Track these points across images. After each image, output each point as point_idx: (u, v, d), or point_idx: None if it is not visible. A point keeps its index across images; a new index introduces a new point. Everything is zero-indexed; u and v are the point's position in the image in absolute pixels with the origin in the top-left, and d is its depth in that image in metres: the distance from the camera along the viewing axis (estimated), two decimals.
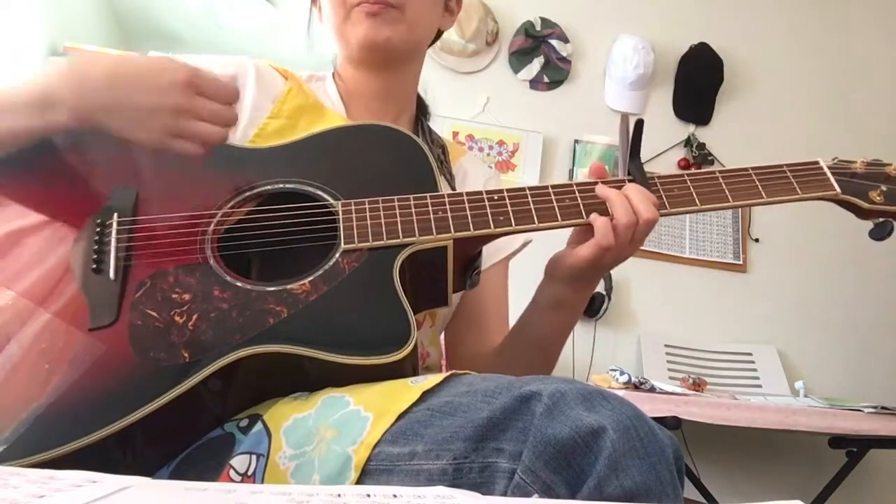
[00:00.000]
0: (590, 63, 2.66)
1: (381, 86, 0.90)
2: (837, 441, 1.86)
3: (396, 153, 0.76)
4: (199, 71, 0.66)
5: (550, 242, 0.77)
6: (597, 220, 0.71)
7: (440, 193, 0.72)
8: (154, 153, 0.66)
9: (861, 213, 0.77)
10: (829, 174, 0.77)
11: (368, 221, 0.69)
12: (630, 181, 0.75)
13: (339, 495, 0.33)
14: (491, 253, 0.91)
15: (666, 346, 2.40)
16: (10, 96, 0.65)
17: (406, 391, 0.54)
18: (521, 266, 1.02)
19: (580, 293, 0.78)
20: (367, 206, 0.70)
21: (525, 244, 0.95)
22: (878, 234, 0.76)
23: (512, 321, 0.93)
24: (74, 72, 0.65)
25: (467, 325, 0.92)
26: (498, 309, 0.94)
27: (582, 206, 0.73)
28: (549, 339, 0.82)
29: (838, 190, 0.76)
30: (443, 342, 0.95)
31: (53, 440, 0.53)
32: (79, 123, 0.65)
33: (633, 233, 0.71)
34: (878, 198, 0.76)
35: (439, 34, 0.95)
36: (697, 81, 2.67)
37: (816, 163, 0.78)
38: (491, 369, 0.83)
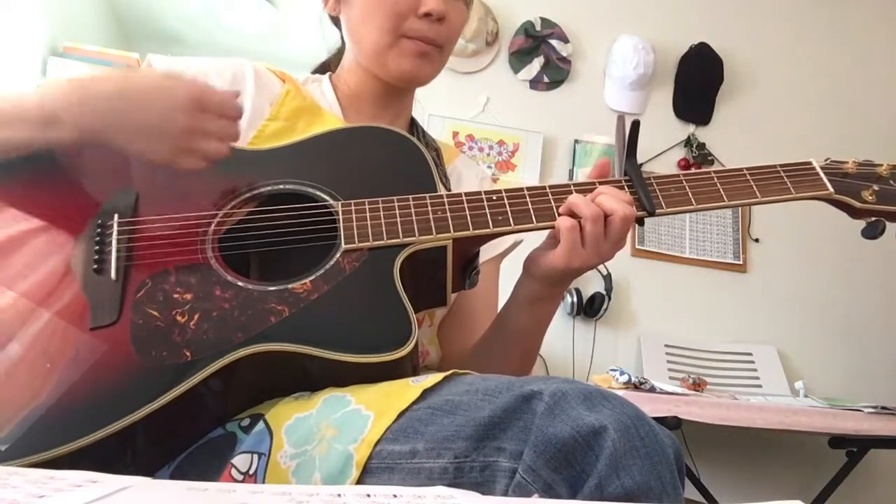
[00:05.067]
0: (590, 63, 2.65)
1: (388, 97, 0.90)
2: (837, 441, 1.86)
3: (395, 154, 0.77)
4: (204, 88, 0.67)
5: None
6: (563, 222, 0.71)
7: (439, 194, 0.72)
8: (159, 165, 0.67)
9: (853, 213, 0.79)
10: (822, 174, 0.78)
11: (368, 221, 0.69)
12: (627, 181, 0.76)
13: (340, 495, 0.33)
14: (481, 251, 0.91)
15: (666, 346, 2.40)
16: (12, 108, 0.65)
17: (407, 390, 0.54)
18: (514, 267, 1.02)
19: (556, 289, 0.78)
20: (366, 206, 0.70)
21: (515, 245, 0.96)
22: (870, 232, 0.77)
23: None
24: (78, 91, 0.65)
25: (458, 322, 0.92)
26: (486, 307, 0.94)
27: None
28: (526, 334, 0.82)
29: (831, 189, 0.77)
30: None
31: (55, 439, 0.53)
32: (82, 140, 0.65)
33: (606, 231, 0.70)
34: (870, 197, 0.77)
35: None
36: (697, 81, 2.66)
37: (809, 163, 0.79)
38: (470, 362, 0.83)
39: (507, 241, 0.94)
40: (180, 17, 3.40)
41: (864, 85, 2.80)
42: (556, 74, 2.61)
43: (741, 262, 2.55)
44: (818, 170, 0.78)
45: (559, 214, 0.72)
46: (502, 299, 0.86)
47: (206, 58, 0.85)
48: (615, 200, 0.71)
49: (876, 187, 0.77)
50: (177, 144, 0.65)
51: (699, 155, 2.60)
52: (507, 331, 0.82)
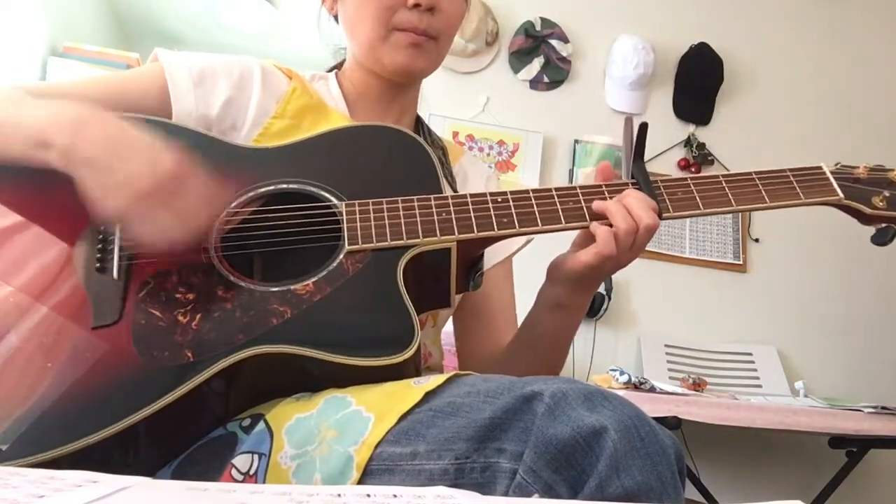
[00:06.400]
0: (590, 63, 2.65)
1: (391, 93, 0.90)
2: (837, 441, 1.86)
3: (400, 154, 0.77)
4: (191, 172, 0.63)
5: (556, 241, 0.77)
6: (598, 229, 0.72)
7: (444, 195, 0.72)
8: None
9: (863, 219, 0.78)
10: (833, 179, 0.77)
11: (372, 222, 0.69)
12: (634, 184, 0.75)
13: (340, 495, 0.33)
14: (493, 252, 0.91)
15: (666, 346, 2.40)
16: (14, 124, 0.64)
17: (408, 392, 0.54)
18: (526, 264, 1.02)
19: (580, 296, 0.78)
20: (370, 207, 0.70)
21: (527, 241, 0.96)
22: (881, 239, 0.77)
23: (519, 320, 0.94)
24: (76, 123, 0.63)
25: (476, 324, 0.92)
26: (504, 307, 0.94)
27: (585, 209, 0.73)
28: (550, 340, 0.82)
29: (841, 195, 0.76)
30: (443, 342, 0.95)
31: (56, 439, 0.53)
32: (67, 170, 0.62)
33: (634, 239, 0.72)
34: (881, 203, 0.76)
35: None
36: (697, 81, 2.66)
37: (819, 168, 0.78)
38: (498, 368, 0.83)
39: (519, 239, 0.94)
40: (180, 17, 3.40)
41: (864, 85, 2.80)
42: (556, 74, 2.61)
43: (741, 262, 2.55)
44: (828, 175, 0.77)
45: (590, 218, 0.72)
46: (522, 301, 0.86)
47: (214, 54, 0.85)
48: (644, 209, 0.71)
49: (887, 193, 0.76)
50: (129, 204, 0.60)
51: (699, 155, 2.60)
52: (531, 338, 0.83)
